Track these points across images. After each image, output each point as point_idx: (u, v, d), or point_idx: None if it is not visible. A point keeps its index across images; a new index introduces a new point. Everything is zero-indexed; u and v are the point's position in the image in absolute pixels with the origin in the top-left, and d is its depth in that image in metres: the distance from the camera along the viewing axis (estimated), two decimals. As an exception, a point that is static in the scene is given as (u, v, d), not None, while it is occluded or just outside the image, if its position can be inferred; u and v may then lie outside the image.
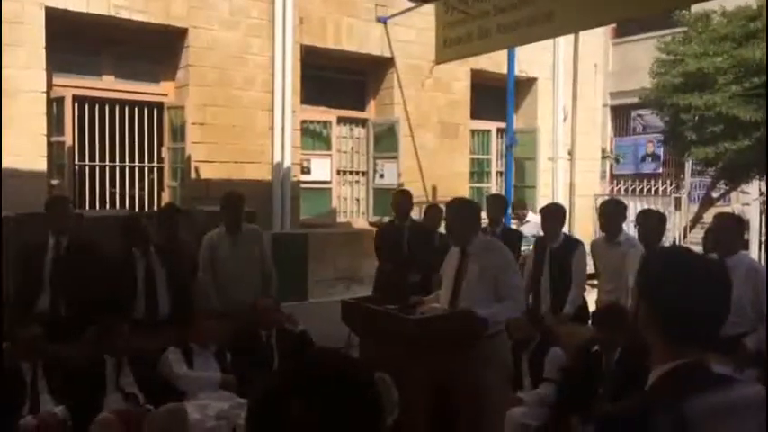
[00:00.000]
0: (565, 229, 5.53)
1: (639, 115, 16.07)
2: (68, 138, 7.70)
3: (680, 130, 11.41)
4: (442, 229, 5.61)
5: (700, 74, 10.84)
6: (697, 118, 11.00)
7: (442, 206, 5.59)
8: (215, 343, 4.38)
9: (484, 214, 5.01)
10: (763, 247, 10.23)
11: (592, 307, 5.03)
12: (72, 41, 7.80)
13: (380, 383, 1.07)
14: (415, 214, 6.29)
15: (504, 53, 8.66)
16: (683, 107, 11.01)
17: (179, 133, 8.28)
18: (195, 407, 3.90)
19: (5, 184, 6.51)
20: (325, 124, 9.72)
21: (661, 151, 15.25)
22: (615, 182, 13.72)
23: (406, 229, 5.84)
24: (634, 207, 8.58)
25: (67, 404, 3.77)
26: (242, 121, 8.50)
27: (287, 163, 8.74)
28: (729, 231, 4.19)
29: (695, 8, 11.51)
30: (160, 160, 8.54)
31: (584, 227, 11.11)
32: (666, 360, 1.39)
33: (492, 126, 11.24)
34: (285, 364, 1.13)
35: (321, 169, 9.63)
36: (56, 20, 7.31)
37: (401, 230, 5.84)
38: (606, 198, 9.47)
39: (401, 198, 6.04)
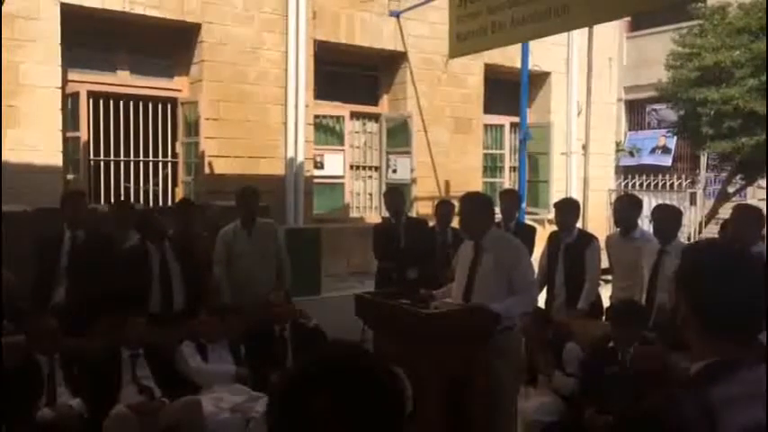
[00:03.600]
0: (578, 224, 5.50)
1: (654, 109, 15.91)
2: (83, 133, 7.76)
3: (696, 124, 11.29)
4: (454, 224, 5.60)
5: (716, 67, 10.71)
6: (713, 112, 10.88)
7: (455, 201, 5.58)
8: (229, 337, 4.41)
9: (497, 209, 4.99)
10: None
11: (606, 302, 5.00)
12: (87, 37, 7.85)
13: (397, 377, 1.07)
14: (428, 209, 6.30)
15: (517, 47, 8.60)
16: (700, 101, 10.89)
17: (193, 128, 8.32)
18: (210, 400, 3.93)
19: (22, 178, 6.59)
20: (338, 119, 9.72)
21: (673, 144, 15.10)
22: (630, 176, 13.59)
23: (402, 225, 5.86)
24: (649, 202, 8.50)
25: (84, 397, 3.80)
26: (255, 116, 8.53)
27: (300, 158, 8.76)
28: (749, 222, 4.14)
29: (712, 0, 11.37)
30: (174, 155, 8.58)
31: (598, 222, 11.03)
32: (707, 355, 1.37)
33: (505, 121, 11.19)
34: (305, 357, 1.11)
35: (334, 164, 9.63)
36: (71, 16, 7.36)
37: (397, 228, 5.86)
38: (621, 193, 9.40)
39: (392, 196, 6.06)
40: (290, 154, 8.71)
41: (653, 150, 15.58)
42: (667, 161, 15.25)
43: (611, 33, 12.04)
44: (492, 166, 11.32)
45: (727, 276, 1.38)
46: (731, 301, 1.36)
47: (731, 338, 1.37)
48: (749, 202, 12.78)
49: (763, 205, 10.95)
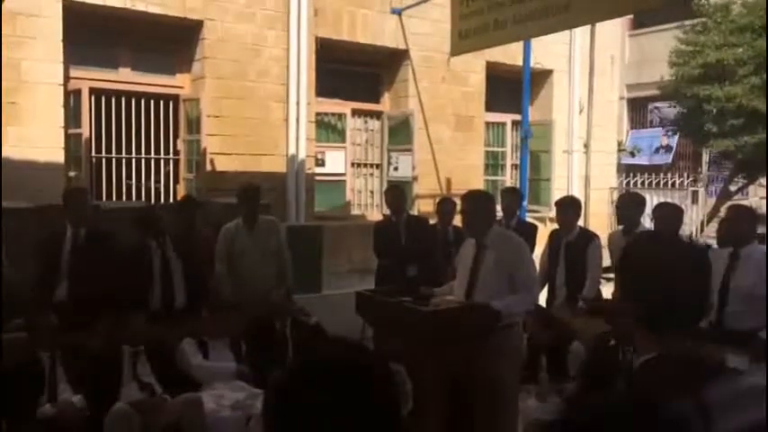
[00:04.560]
0: (580, 222, 5.50)
1: (656, 108, 15.89)
2: (85, 130, 7.76)
3: (699, 121, 11.28)
4: (455, 222, 5.60)
5: (719, 65, 10.70)
6: (716, 111, 10.87)
7: (456, 199, 5.58)
8: (230, 334, 4.41)
9: (498, 207, 4.99)
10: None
11: (607, 301, 5.00)
12: (89, 34, 7.85)
13: (395, 375, 1.07)
14: (429, 207, 6.29)
15: (519, 45, 8.59)
16: (703, 98, 10.88)
17: (194, 125, 8.32)
18: (210, 397, 3.93)
19: (24, 175, 6.60)
20: (340, 117, 9.72)
21: (674, 142, 15.08)
22: (631, 174, 13.57)
23: (403, 223, 5.85)
24: (650, 200, 8.50)
25: (85, 393, 3.81)
26: (257, 113, 8.53)
27: (301, 155, 8.76)
28: (743, 221, 4.14)
29: (714, -2, 11.35)
30: (176, 152, 8.59)
31: (599, 220, 11.03)
32: (651, 349, 1.39)
33: (507, 118, 11.18)
34: (302, 353, 1.11)
35: (335, 162, 9.63)
36: (73, 12, 7.36)
37: (397, 226, 5.85)
38: (623, 191, 9.39)
39: (393, 194, 6.05)
40: (292, 151, 8.71)
41: (657, 150, 15.57)
42: (668, 159, 15.23)
43: (613, 31, 12.01)
44: (493, 163, 11.32)
45: (668, 271, 1.39)
46: (671, 296, 1.37)
47: (674, 331, 1.38)
48: (751, 200, 12.78)
49: (764, 203, 10.98)
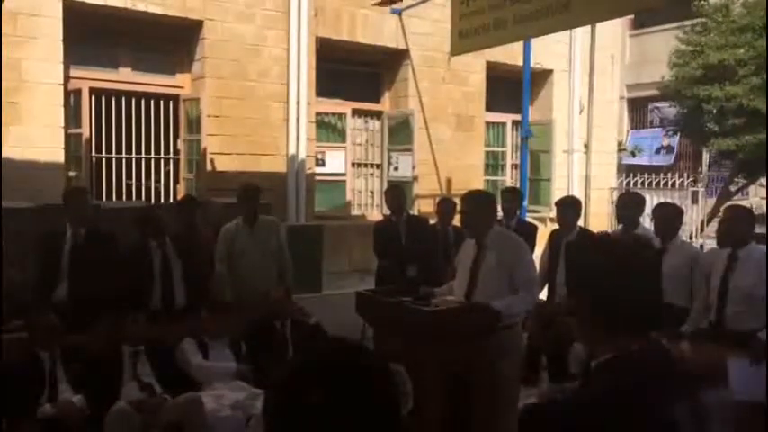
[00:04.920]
0: (580, 223, 5.50)
1: (657, 108, 15.88)
2: (86, 130, 7.77)
3: (700, 121, 11.28)
4: (455, 222, 5.60)
5: (720, 65, 10.70)
6: (716, 111, 10.87)
7: (456, 199, 5.58)
8: (230, 334, 4.41)
9: (498, 207, 4.99)
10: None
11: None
12: (89, 34, 7.85)
13: (395, 375, 1.07)
14: (429, 207, 6.29)
15: (519, 45, 8.59)
16: (704, 98, 10.88)
17: (195, 125, 8.32)
18: (210, 397, 3.93)
19: (24, 175, 6.61)
20: (340, 117, 9.72)
21: (675, 143, 15.08)
22: (632, 175, 13.57)
23: (403, 223, 5.85)
24: (650, 200, 8.49)
25: (85, 393, 3.81)
26: (257, 113, 8.53)
27: (301, 155, 8.76)
28: (741, 222, 4.14)
29: (714, -2, 11.35)
30: (176, 152, 8.59)
31: (599, 220, 11.03)
32: (609, 350, 1.38)
33: (507, 118, 11.18)
34: (301, 353, 1.11)
35: (336, 162, 9.63)
36: (73, 13, 7.37)
37: (397, 226, 5.85)
38: (623, 192, 9.39)
39: (393, 194, 6.04)
40: (292, 151, 8.71)
41: (658, 150, 15.57)
42: (670, 160, 15.24)
43: (613, 31, 12.02)
44: (493, 163, 11.32)
45: (622, 272, 1.38)
46: (627, 299, 1.38)
47: (629, 334, 1.38)
48: (751, 200, 12.77)
49: (764, 203, 10.98)
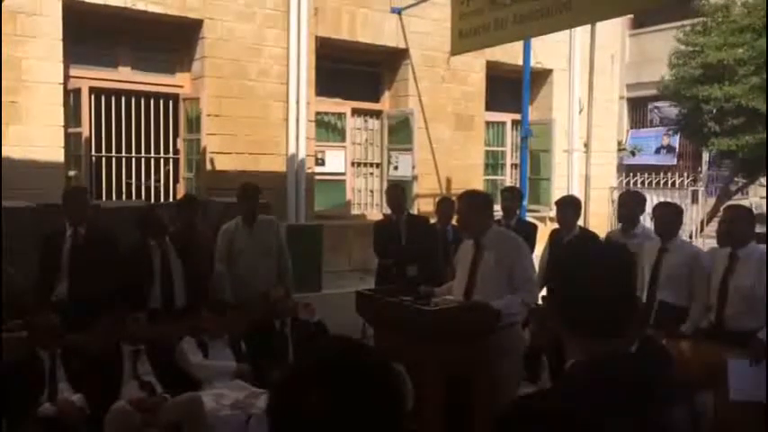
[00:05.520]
0: (580, 222, 5.50)
1: (656, 107, 15.89)
2: (85, 129, 7.76)
3: (700, 121, 11.29)
4: (455, 222, 5.60)
5: (719, 65, 10.70)
6: (715, 111, 10.87)
7: (455, 199, 5.58)
8: (230, 333, 4.41)
9: (498, 206, 4.99)
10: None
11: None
12: (88, 33, 7.85)
13: (397, 373, 1.07)
14: (429, 206, 6.28)
15: (519, 44, 8.59)
16: (703, 98, 10.88)
17: (194, 125, 8.32)
18: (210, 396, 3.94)
19: (24, 174, 6.60)
20: (340, 116, 9.72)
21: (675, 142, 15.08)
22: (632, 174, 13.58)
23: (403, 222, 5.84)
24: (650, 199, 8.50)
25: (85, 392, 3.81)
26: (257, 112, 8.52)
27: (301, 155, 8.75)
28: (741, 222, 4.14)
29: (714, -2, 11.35)
30: (176, 151, 8.58)
31: (599, 219, 11.03)
32: (576, 353, 1.38)
33: (507, 118, 11.17)
34: (305, 352, 1.11)
35: (335, 161, 9.63)
36: (72, 12, 7.36)
37: (397, 225, 5.84)
38: (623, 191, 9.40)
39: (393, 194, 6.03)
40: (292, 151, 8.71)
41: (658, 150, 15.57)
42: (672, 160, 15.25)
43: (613, 31, 12.01)
44: (493, 163, 11.31)
45: (595, 274, 1.39)
46: (593, 301, 1.37)
47: (597, 337, 1.37)
48: (751, 200, 12.78)
49: (764, 203, 10.98)
